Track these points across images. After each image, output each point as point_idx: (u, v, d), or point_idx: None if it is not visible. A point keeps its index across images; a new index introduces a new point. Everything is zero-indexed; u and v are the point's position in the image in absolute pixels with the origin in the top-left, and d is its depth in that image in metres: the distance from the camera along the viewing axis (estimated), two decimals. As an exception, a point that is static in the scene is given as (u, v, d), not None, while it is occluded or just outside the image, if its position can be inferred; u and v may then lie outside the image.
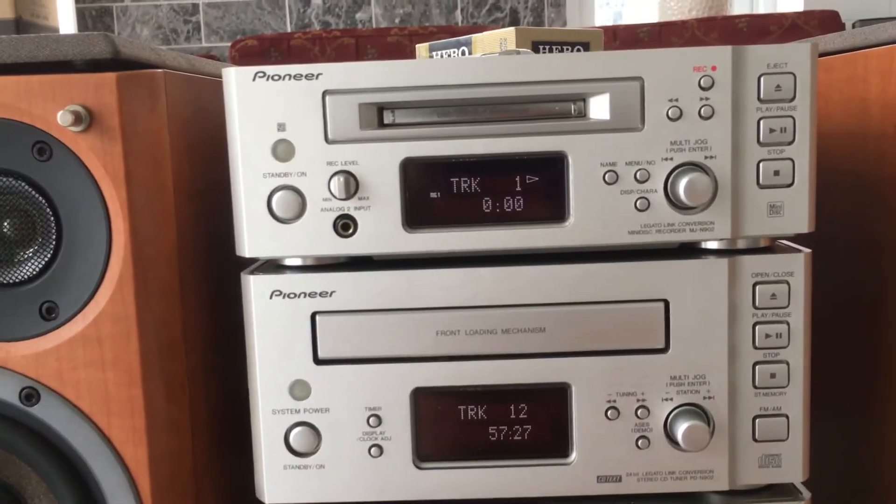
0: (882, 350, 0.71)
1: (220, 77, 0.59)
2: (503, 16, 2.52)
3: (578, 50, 0.81)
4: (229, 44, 1.97)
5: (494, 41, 0.81)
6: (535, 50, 0.79)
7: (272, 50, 1.68)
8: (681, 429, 0.61)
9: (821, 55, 0.78)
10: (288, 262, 0.64)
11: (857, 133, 0.74)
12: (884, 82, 0.69)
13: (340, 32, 1.69)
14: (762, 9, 2.48)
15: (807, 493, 0.64)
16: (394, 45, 1.69)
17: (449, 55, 0.85)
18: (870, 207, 0.72)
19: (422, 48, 0.89)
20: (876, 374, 0.72)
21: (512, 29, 0.79)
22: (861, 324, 0.74)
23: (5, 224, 0.61)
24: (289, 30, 2.55)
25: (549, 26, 2.19)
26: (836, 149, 0.77)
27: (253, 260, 0.65)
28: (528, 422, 0.63)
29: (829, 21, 1.67)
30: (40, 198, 0.60)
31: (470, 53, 0.83)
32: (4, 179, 0.60)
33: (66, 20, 2.50)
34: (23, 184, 0.60)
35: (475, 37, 0.83)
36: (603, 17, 2.63)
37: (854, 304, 0.75)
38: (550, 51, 0.79)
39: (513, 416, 0.63)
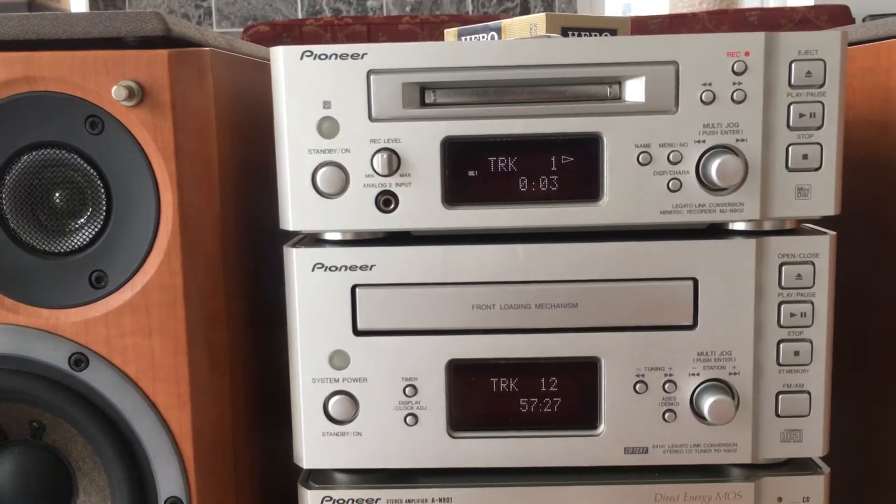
0: (899, 332, 0.73)
1: (257, 57, 0.60)
2: (514, 5, 2.54)
3: (607, 36, 0.82)
4: (241, 29, 1.98)
5: (524, 26, 0.82)
6: (565, 36, 0.81)
7: (284, 36, 1.68)
8: (707, 403, 0.63)
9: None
10: (328, 236, 0.66)
11: (878, 122, 0.76)
12: (906, 72, 0.71)
13: (352, 20, 1.70)
14: (772, 3, 2.49)
15: (826, 468, 0.67)
16: (405, 32, 1.69)
17: (479, 41, 0.87)
18: (891, 195, 0.74)
19: (450, 33, 0.91)
20: (894, 356, 0.74)
21: (542, 15, 0.80)
22: (881, 308, 0.77)
23: (57, 195, 0.63)
24: (300, 16, 2.56)
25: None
26: (857, 137, 0.79)
27: (293, 234, 0.67)
28: (558, 394, 0.65)
29: (839, 15, 1.68)
30: (91, 170, 0.62)
31: (499, 39, 0.85)
32: (57, 152, 0.62)
33: (77, 1, 2.51)
34: (75, 156, 0.62)
35: (504, 22, 0.85)
36: (612, 8, 2.65)
37: (873, 289, 0.78)
38: (580, 36, 0.81)
39: (544, 389, 0.66)
